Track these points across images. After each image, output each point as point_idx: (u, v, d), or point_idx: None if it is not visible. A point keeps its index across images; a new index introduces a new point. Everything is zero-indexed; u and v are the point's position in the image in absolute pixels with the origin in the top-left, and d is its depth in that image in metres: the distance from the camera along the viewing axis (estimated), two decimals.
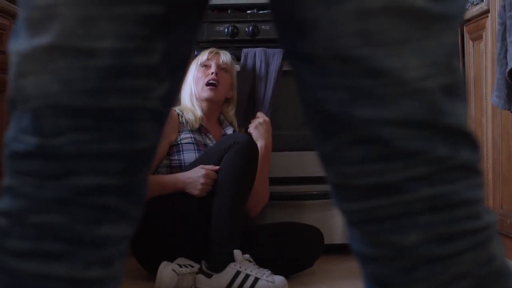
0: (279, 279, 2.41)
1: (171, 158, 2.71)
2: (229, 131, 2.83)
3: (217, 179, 2.50)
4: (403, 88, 0.63)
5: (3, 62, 2.34)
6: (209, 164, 2.55)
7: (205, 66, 2.82)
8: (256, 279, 2.38)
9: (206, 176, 2.51)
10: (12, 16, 2.62)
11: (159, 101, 0.69)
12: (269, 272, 2.42)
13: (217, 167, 2.52)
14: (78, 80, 0.64)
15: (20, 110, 0.67)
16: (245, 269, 2.40)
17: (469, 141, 0.66)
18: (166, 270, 2.37)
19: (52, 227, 0.66)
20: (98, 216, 0.67)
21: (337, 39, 0.63)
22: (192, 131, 2.74)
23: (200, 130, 2.76)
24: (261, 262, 2.48)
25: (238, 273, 2.39)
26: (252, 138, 2.64)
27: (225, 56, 2.86)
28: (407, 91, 0.63)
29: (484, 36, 2.94)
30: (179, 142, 2.71)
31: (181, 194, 2.56)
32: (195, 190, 2.52)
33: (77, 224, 0.66)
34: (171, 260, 2.45)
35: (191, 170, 2.56)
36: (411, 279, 0.65)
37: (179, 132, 2.73)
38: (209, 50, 2.88)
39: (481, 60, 2.98)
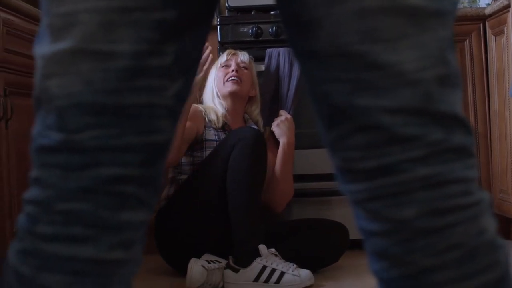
0: (305, 273, 2.44)
1: (194, 154, 2.74)
2: None
3: (227, 177, 2.52)
4: (400, 79, 0.69)
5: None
6: (219, 160, 2.56)
7: (225, 66, 2.87)
8: (282, 273, 2.42)
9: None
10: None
11: (173, 99, 0.75)
12: (295, 266, 2.46)
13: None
14: (98, 81, 0.71)
15: (45, 108, 0.73)
16: (271, 263, 2.43)
17: (463, 126, 0.72)
18: (196, 267, 2.42)
19: (78, 214, 0.72)
20: (119, 203, 0.73)
21: (339, 37, 0.70)
22: (216, 129, 2.77)
23: (224, 128, 2.79)
24: (287, 257, 2.51)
25: (264, 267, 2.43)
26: (258, 131, 2.64)
27: (243, 56, 2.91)
28: (403, 82, 0.69)
29: (505, 31, 2.96)
30: (203, 139, 2.75)
31: (203, 192, 2.59)
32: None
33: (101, 211, 0.72)
34: (197, 256, 2.50)
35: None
36: (409, 250, 0.71)
37: (205, 127, 2.77)
38: (227, 51, 2.93)
39: (503, 54, 2.99)
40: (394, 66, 0.69)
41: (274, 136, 2.87)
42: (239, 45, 3.18)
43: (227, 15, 3.62)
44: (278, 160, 2.83)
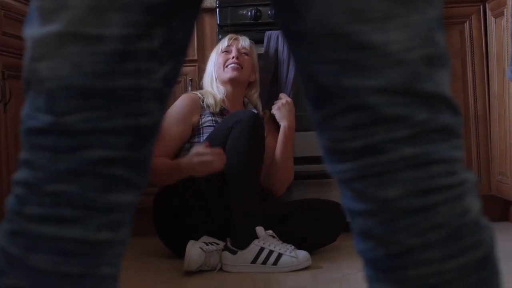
0: (302, 254, 2.46)
1: (191, 140, 2.76)
2: None
3: (225, 160, 2.52)
4: (387, 59, 0.70)
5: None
6: (217, 144, 2.56)
7: (226, 52, 2.86)
8: (280, 255, 2.44)
9: (197, 155, 2.52)
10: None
11: (161, 82, 0.76)
12: (293, 247, 2.47)
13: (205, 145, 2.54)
14: (87, 64, 0.71)
15: (35, 90, 0.73)
16: (269, 245, 2.45)
17: (449, 106, 0.73)
18: (194, 249, 2.43)
19: (66, 195, 0.73)
20: (107, 185, 0.74)
21: (327, 17, 0.70)
22: (213, 114, 2.78)
23: (223, 113, 2.80)
24: (284, 238, 2.53)
25: (261, 249, 2.44)
26: (256, 113, 2.65)
27: (244, 41, 2.89)
28: (390, 62, 0.70)
29: (505, 13, 2.95)
30: (200, 126, 2.76)
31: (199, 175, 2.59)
32: (195, 172, 2.54)
33: (89, 192, 0.73)
34: (195, 238, 2.50)
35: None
36: (393, 229, 0.72)
37: (201, 115, 2.78)
38: (228, 36, 2.92)
39: (503, 36, 2.99)
40: (382, 46, 0.69)
41: (274, 119, 2.87)
42: (238, 27, 3.18)
43: None
44: (278, 144, 2.83)
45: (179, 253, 2.58)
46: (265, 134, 2.70)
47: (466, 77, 3.25)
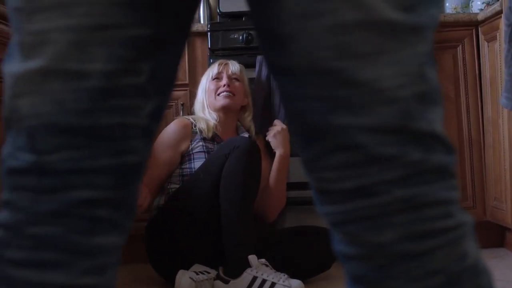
0: (296, 283, 2.42)
1: (182, 167, 2.74)
2: None
3: (220, 186, 2.51)
4: (377, 97, 0.66)
5: None
6: (212, 170, 2.55)
7: (217, 78, 2.85)
8: (273, 284, 2.40)
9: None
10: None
11: (148, 118, 0.73)
12: (286, 276, 2.44)
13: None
14: (70, 101, 0.68)
15: (15, 129, 0.70)
16: (262, 274, 2.41)
17: (443, 144, 0.69)
18: (184, 279, 2.39)
19: (48, 238, 0.69)
20: (91, 227, 0.70)
21: (313, 53, 0.66)
22: (204, 139, 2.76)
23: (214, 139, 2.78)
24: (278, 266, 2.50)
25: (254, 278, 2.41)
26: (253, 141, 2.63)
27: (233, 66, 2.88)
28: (381, 100, 0.66)
29: (498, 37, 2.95)
30: (190, 152, 2.74)
31: (194, 201, 2.58)
32: None
33: (72, 235, 0.70)
34: (187, 267, 2.48)
35: None
36: (387, 276, 0.68)
37: (191, 141, 2.76)
38: (218, 62, 2.90)
39: (496, 61, 2.98)
40: (371, 83, 0.66)
41: (268, 144, 2.85)
42: (229, 51, 3.16)
43: (218, 21, 3.60)
44: (273, 171, 2.81)
45: (170, 280, 2.54)
46: None
47: (460, 101, 3.24)
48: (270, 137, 2.83)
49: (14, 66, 0.71)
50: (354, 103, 0.66)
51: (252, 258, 2.43)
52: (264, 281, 2.41)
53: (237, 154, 2.52)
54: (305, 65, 0.67)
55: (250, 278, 2.41)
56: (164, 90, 0.76)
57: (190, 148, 2.74)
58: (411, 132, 0.67)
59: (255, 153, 2.57)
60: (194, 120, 2.81)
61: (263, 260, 2.47)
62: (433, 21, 0.70)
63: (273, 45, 0.71)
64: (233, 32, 3.24)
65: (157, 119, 0.75)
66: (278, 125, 2.85)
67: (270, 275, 2.43)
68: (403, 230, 0.67)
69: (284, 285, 2.40)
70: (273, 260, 2.52)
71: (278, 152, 2.78)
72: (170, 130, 2.77)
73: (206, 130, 2.75)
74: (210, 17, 3.75)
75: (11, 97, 0.71)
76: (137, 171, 0.74)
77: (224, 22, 3.50)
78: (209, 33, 3.25)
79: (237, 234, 2.46)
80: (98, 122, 0.69)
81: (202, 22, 3.66)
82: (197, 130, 2.77)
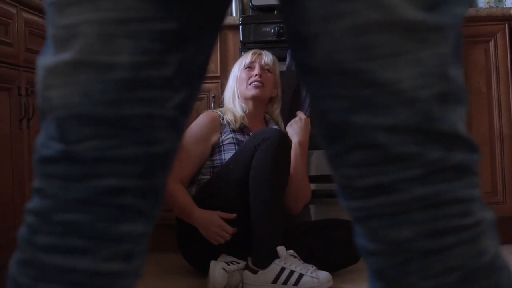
0: (323, 274, 2.43)
1: (213, 158, 2.75)
2: None
3: (249, 177, 2.52)
4: (398, 97, 0.67)
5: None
6: (242, 161, 2.56)
7: (249, 67, 2.85)
8: (301, 275, 2.41)
9: (218, 226, 2.55)
10: (19, 2, 2.51)
11: (175, 110, 0.75)
12: (314, 267, 2.44)
13: (233, 215, 2.55)
14: (97, 92, 0.71)
15: (48, 119, 0.73)
16: (290, 265, 2.43)
17: (464, 143, 0.70)
18: (218, 269, 2.42)
19: (76, 225, 0.72)
20: (118, 215, 0.73)
21: (335, 54, 0.68)
22: (234, 131, 2.77)
23: (243, 130, 2.79)
24: (306, 258, 2.50)
25: (283, 269, 2.42)
26: (282, 132, 2.62)
27: (267, 57, 2.88)
28: (401, 100, 0.67)
29: None
30: (220, 143, 2.75)
31: (225, 192, 2.61)
32: (205, 234, 2.57)
33: (99, 222, 0.72)
34: (216, 256, 2.50)
35: (207, 212, 2.58)
36: (405, 271, 0.70)
37: (221, 133, 2.77)
38: (252, 51, 2.90)
39: None
40: (392, 84, 0.67)
41: None
42: (260, 44, 3.17)
43: (250, 14, 3.62)
44: (291, 160, 2.81)
45: (201, 270, 2.57)
46: None
47: (491, 96, 3.21)
48: (288, 126, 2.82)
49: (47, 59, 0.74)
50: (375, 103, 0.68)
51: (281, 249, 2.44)
52: (292, 272, 2.42)
53: (266, 145, 2.52)
54: (327, 66, 0.69)
55: (279, 268, 2.42)
56: (193, 82, 0.77)
57: (220, 140, 2.76)
58: (431, 132, 0.68)
59: (285, 145, 2.57)
60: (222, 113, 2.82)
61: (291, 251, 2.48)
62: (457, 21, 0.70)
63: (298, 45, 0.73)
64: (265, 26, 3.25)
65: (186, 111, 0.78)
66: (299, 115, 2.84)
67: (298, 266, 2.43)
68: (422, 228, 0.69)
69: (312, 277, 2.41)
70: (300, 253, 2.52)
71: (293, 141, 2.75)
72: (199, 123, 2.78)
73: (233, 121, 2.76)
74: (242, 10, 3.77)
75: (44, 89, 0.74)
76: (164, 161, 0.76)
77: (256, 15, 3.51)
78: (241, 26, 3.26)
79: (266, 225, 2.47)
80: (125, 113, 0.72)
81: (234, 15, 3.68)
82: (225, 122, 2.78)
